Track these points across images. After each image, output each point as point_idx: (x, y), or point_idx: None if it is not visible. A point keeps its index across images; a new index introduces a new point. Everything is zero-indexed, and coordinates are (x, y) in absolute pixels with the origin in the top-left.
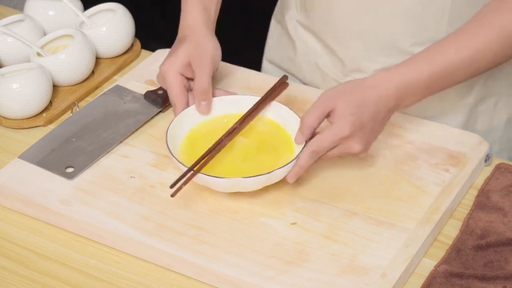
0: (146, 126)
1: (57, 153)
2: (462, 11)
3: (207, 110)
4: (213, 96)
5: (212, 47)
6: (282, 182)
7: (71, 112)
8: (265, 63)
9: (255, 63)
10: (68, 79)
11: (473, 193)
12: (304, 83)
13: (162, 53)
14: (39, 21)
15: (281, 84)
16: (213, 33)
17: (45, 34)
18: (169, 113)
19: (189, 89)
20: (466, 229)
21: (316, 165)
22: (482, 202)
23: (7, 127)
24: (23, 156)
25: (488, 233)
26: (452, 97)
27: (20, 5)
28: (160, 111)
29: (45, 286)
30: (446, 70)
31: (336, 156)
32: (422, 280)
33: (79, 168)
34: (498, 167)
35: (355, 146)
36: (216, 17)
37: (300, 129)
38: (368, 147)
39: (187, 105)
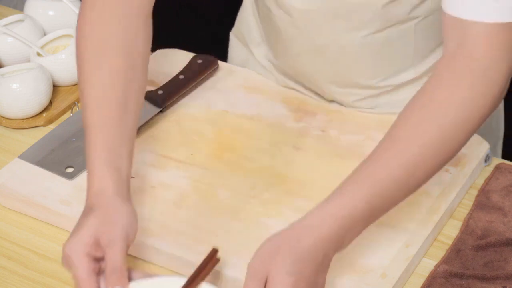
0: (146, 126)
1: (57, 153)
2: (425, 40)
3: None
4: (130, 278)
5: (124, 214)
6: (282, 181)
7: (71, 112)
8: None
9: None
10: (68, 79)
11: (473, 193)
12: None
13: (162, 53)
14: (39, 21)
15: (212, 259)
16: (127, 196)
17: (45, 34)
18: (169, 113)
19: (100, 272)
20: (466, 229)
21: (317, 165)
22: (482, 202)
23: (7, 127)
24: (23, 156)
25: (488, 233)
26: None
27: (20, 5)
28: (160, 111)
29: (45, 286)
30: (385, 191)
31: None
32: (422, 280)
33: (79, 168)
34: (498, 167)
35: None
36: (130, 174)
37: None
38: None
39: None
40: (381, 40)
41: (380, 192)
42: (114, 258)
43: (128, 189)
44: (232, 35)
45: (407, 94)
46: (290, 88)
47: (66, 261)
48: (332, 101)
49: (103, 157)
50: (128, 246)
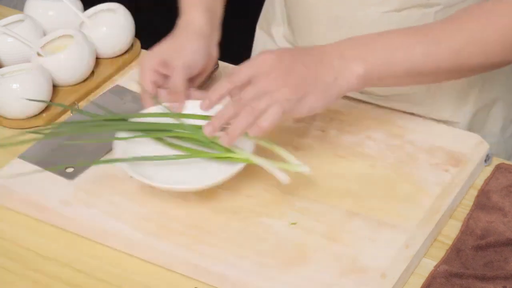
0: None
1: (57, 153)
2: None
3: (180, 110)
4: (189, 98)
5: (194, 49)
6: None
7: (71, 112)
8: None
9: None
10: (68, 79)
11: (473, 193)
12: None
13: None
14: (39, 21)
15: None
16: (209, 36)
17: (45, 34)
18: None
19: (163, 86)
20: (466, 229)
21: (317, 165)
22: (482, 202)
23: (7, 127)
24: (23, 156)
25: (488, 233)
26: (450, 107)
27: (20, 5)
28: None
29: (45, 286)
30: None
31: (263, 105)
32: (422, 280)
33: (79, 168)
34: (498, 167)
35: (283, 83)
36: (219, 18)
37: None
38: (300, 96)
39: (153, 102)
40: (398, 20)
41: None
42: (175, 80)
43: (213, 29)
44: (257, 27)
45: (423, 86)
46: None
47: (139, 69)
48: None
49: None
50: (188, 75)
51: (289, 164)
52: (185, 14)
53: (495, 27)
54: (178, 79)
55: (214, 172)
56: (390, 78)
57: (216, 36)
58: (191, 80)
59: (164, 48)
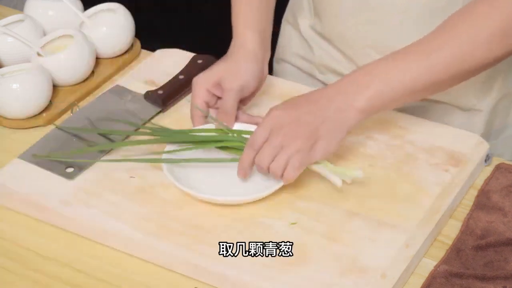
0: (146, 126)
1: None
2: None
3: (227, 124)
4: (237, 120)
5: (248, 71)
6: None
7: (71, 112)
8: (276, 65)
9: None
10: (68, 79)
11: (473, 193)
12: (323, 83)
13: (162, 53)
14: (39, 21)
15: None
16: (261, 57)
17: (45, 34)
18: (169, 113)
19: (213, 107)
20: (466, 229)
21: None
22: (482, 202)
23: (7, 127)
24: (23, 156)
25: (488, 233)
26: (474, 95)
27: (20, 5)
28: (160, 111)
29: (45, 286)
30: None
31: (282, 161)
32: (422, 280)
33: (79, 168)
34: (498, 167)
35: (295, 135)
36: (269, 38)
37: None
38: (313, 143)
39: (203, 120)
40: (427, 4)
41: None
42: (227, 102)
43: (265, 51)
44: (284, 20)
45: None
46: (326, 66)
47: (192, 88)
48: None
49: (249, 19)
50: (240, 96)
51: (343, 168)
52: (238, 36)
53: (483, 28)
54: (230, 101)
55: (260, 184)
56: (393, 102)
57: (267, 56)
58: (241, 101)
59: (219, 70)
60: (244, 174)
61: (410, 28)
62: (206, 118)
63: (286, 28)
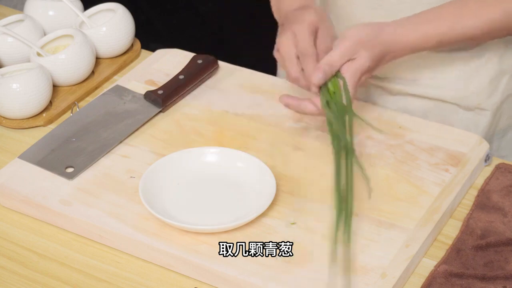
0: (146, 126)
1: (57, 153)
2: None
3: (318, 84)
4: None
5: (332, 27)
6: (282, 182)
7: (71, 112)
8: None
9: (256, 65)
10: (68, 79)
11: (473, 193)
12: None
13: (162, 53)
14: (39, 21)
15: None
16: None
17: (45, 34)
18: (169, 113)
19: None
20: (466, 229)
21: (316, 165)
22: (482, 202)
23: (7, 127)
24: (23, 156)
25: (488, 233)
26: (480, 94)
27: (20, 5)
28: (160, 111)
29: (45, 286)
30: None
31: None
32: (422, 280)
33: (79, 168)
34: (498, 167)
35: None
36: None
37: (320, 65)
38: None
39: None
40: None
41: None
42: (335, 51)
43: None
44: None
45: (456, 71)
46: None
47: (292, 35)
48: None
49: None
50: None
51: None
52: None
53: None
54: (336, 56)
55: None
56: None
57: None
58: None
59: (309, 16)
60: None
61: None
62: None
63: None
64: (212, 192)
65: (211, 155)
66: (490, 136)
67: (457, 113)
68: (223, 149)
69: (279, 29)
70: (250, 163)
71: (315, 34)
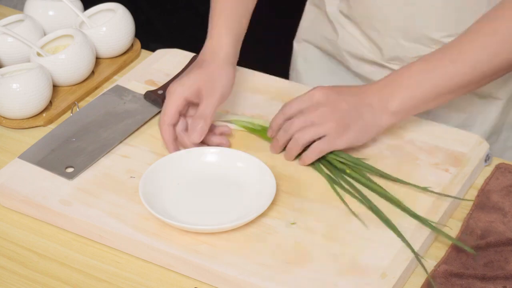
0: (146, 126)
1: (57, 153)
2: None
3: (199, 136)
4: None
5: (226, 80)
6: (282, 182)
7: (71, 112)
8: (297, 44)
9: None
10: (68, 79)
11: (473, 193)
12: (345, 66)
13: (162, 53)
14: (39, 21)
15: None
16: (234, 61)
17: (45, 34)
18: None
19: (185, 115)
20: (466, 229)
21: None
22: (482, 202)
23: (7, 127)
24: (23, 156)
25: (488, 233)
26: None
27: (20, 5)
28: (160, 111)
29: (45, 286)
30: (446, 86)
31: (310, 135)
32: (422, 280)
33: (79, 168)
34: (498, 167)
35: (328, 118)
36: (241, 41)
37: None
38: (341, 132)
39: (172, 129)
40: None
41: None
42: (206, 108)
43: (237, 54)
44: (308, 3)
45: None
46: (349, 51)
47: (167, 94)
48: (392, 59)
49: (225, 22)
50: (219, 104)
51: None
52: (213, 39)
53: (503, 31)
54: (211, 109)
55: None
56: (424, 105)
57: (237, 60)
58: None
59: (198, 78)
60: (272, 133)
61: (438, 11)
62: (174, 126)
63: (310, 9)
64: (212, 192)
65: (211, 155)
66: (499, 127)
67: (470, 100)
68: (223, 149)
69: (196, 64)
70: (250, 163)
71: (188, 104)
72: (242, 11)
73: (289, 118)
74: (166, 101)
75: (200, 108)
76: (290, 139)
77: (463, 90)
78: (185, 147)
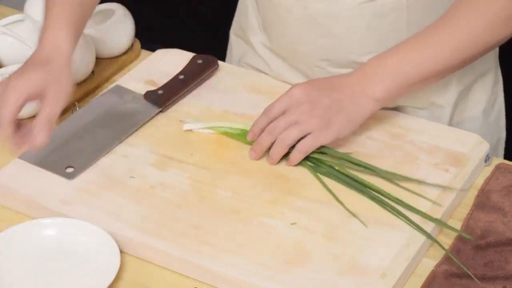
0: (146, 126)
1: (57, 153)
2: (419, 19)
3: (41, 140)
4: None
5: (70, 83)
6: (282, 182)
7: (71, 112)
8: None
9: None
10: None
11: (473, 193)
12: None
13: (162, 53)
14: (39, 21)
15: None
16: (71, 59)
17: None
18: (169, 113)
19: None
20: (466, 229)
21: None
22: (482, 202)
23: None
24: (23, 156)
25: (488, 233)
26: (434, 90)
27: (20, 5)
28: (160, 111)
29: None
30: (415, 75)
31: (295, 134)
32: (422, 280)
33: (79, 168)
34: (498, 167)
35: (310, 115)
36: (79, 38)
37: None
38: (325, 127)
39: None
40: (373, 10)
41: (420, 62)
42: (52, 112)
43: (72, 52)
44: (232, 33)
45: None
46: (284, 82)
47: (4, 89)
48: None
49: (65, 16)
50: (63, 108)
51: None
52: (51, 31)
53: (483, 15)
54: (55, 110)
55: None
56: (406, 90)
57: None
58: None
59: (41, 77)
60: (253, 137)
61: (359, 31)
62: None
63: (236, 41)
64: (52, 270)
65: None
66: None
67: (413, 112)
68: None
69: (38, 59)
70: (91, 235)
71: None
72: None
73: (273, 121)
74: (6, 94)
75: (45, 111)
76: (273, 142)
77: (448, 72)
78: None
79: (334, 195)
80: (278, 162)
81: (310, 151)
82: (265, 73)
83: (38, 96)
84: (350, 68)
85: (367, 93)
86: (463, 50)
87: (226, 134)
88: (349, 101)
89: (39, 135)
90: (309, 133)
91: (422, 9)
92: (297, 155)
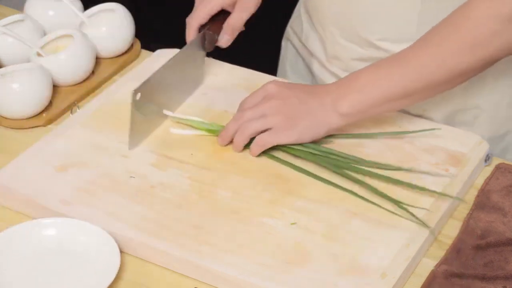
0: None
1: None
2: (432, 13)
3: (224, 42)
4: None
5: None
6: (282, 181)
7: (71, 112)
8: (284, 44)
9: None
10: (68, 79)
11: (473, 193)
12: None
13: (162, 53)
14: (39, 21)
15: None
16: None
17: (45, 34)
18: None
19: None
20: (466, 229)
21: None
22: (482, 202)
23: (7, 127)
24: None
25: (488, 233)
26: (430, 105)
27: (20, 5)
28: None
29: None
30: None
31: (257, 126)
32: (422, 280)
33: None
34: (498, 167)
35: (277, 110)
36: None
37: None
38: (288, 126)
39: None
40: None
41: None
42: (237, 21)
43: None
44: (284, 40)
45: None
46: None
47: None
48: (333, 58)
49: None
50: (247, 18)
51: None
52: None
53: (453, 39)
54: (242, 20)
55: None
56: (373, 110)
57: None
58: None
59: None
60: (226, 140)
61: (371, 11)
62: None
63: (287, 46)
64: (52, 269)
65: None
66: None
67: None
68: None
69: None
70: (91, 235)
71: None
72: None
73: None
74: (200, 6)
75: (231, 19)
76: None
77: (414, 97)
78: None
79: (340, 187)
80: (279, 162)
81: (268, 146)
82: (300, 37)
83: (230, 6)
84: (356, 44)
85: (335, 106)
86: (425, 75)
87: (209, 131)
88: (317, 108)
89: (223, 37)
90: (270, 128)
91: (436, 4)
92: (255, 147)
